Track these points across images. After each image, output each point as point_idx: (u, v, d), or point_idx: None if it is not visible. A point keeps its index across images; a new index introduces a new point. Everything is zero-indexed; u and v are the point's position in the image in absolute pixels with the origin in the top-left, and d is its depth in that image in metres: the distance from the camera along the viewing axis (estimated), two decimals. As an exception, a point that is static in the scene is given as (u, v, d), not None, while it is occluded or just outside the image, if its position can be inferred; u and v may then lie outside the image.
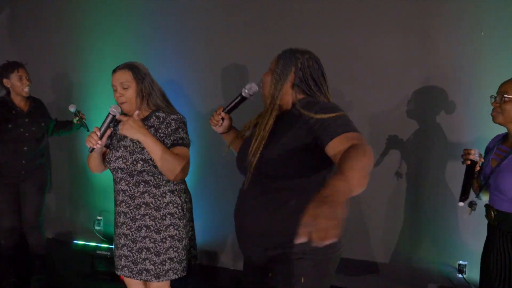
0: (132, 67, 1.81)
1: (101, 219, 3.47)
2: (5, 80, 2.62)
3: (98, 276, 3.03)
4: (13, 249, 2.79)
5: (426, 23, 2.50)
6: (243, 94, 1.69)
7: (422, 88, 2.55)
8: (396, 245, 2.72)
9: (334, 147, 1.25)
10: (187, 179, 1.90)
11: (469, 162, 1.68)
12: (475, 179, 1.77)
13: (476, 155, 1.67)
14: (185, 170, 1.77)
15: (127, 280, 1.98)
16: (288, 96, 1.47)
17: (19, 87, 2.63)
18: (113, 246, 3.15)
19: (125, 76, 1.78)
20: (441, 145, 2.54)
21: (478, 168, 1.72)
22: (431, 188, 2.60)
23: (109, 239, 3.40)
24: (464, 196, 1.67)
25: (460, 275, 2.55)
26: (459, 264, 2.56)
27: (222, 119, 1.75)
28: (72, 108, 2.67)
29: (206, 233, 3.02)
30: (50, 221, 3.49)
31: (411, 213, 2.69)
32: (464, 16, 2.43)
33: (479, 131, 2.33)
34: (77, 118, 2.72)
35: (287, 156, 1.35)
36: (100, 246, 3.30)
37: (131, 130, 1.63)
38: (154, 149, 1.67)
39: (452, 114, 2.50)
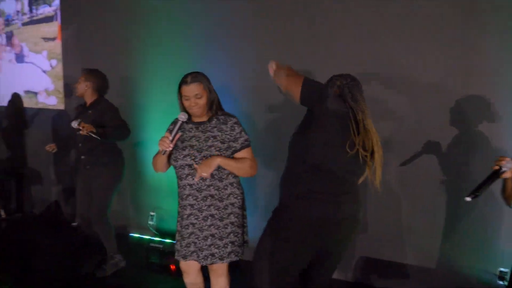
0: (202, 80, 2.04)
1: (154, 215, 3.72)
2: None
3: (152, 267, 3.28)
4: (90, 231, 3.13)
5: (468, 31, 2.51)
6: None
7: (463, 96, 2.57)
8: (434, 249, 2.73)
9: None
10: None
11: (497, 167, 1.71)
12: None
13: (508, 165, 1.69)
14: (254, 167, 2.09)
15: (185, 267, 2.21)
16: None
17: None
18: (164, 240, 3.45)
19: (199, 88, 2.01)
20: (482, 151, 2.54)
21: (502, 176, 1.73)
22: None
23: (161, 233, 3.67)
24: (475, 194, 1.71)
25: (501, 282, 2.53)
26: (500, 271, 2.53)
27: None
28: (74, 124, 2.77)
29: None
30: (110, 215, 3.81)
31: (451, 218, 2.69)
32: (508, 24, 2.43)
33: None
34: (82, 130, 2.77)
35: None
36: (154, 240, 3.58)
37: (209, 166, 1.95)
38: (229, 166, 2.01)
39: (494, 123, 2.50)
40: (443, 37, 2.58)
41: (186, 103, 2.03)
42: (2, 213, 4.49)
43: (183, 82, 2.03)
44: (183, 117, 2.02)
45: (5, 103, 4.82)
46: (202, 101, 2.03)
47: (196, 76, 2.03)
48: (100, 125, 2.84)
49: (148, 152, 3.76)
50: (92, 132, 2.69)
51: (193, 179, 2.03)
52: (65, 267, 3.25)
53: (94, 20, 3.98)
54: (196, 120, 2.10)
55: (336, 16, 2.83)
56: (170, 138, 1.98)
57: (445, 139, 2.65)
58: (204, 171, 1.92)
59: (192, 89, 2.00)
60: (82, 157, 2.99)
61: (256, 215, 2.97)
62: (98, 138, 2.73)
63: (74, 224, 3.83)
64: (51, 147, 3.30)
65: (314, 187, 1.80)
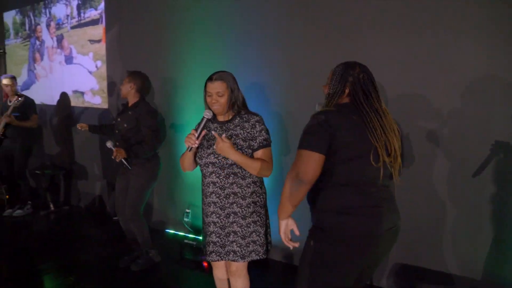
0: (226, 79, 2.07)
1: (189, 212, 3.79)
2: None
3: (185, 263, 3.36)
4: (128, 227, 3.24)
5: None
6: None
7: (508, 92, 2.39)
8: (480, 258, 2.54)
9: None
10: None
11: None
12: None
13: None
14: (270, 168, 2.06)
15: (215, 264, 2.26)
16: None
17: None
18: (198, 237, 3.51)
19: (221, 87, 2.05)
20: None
21: None
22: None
23: (195, 230, 3.74)
24: None
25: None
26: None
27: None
28: (109, 145, 3.01)
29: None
30: (147, 211, 3.94)
31: (500, 225, 2.49)
32: None
33: None
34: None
35: None
36: (188, 236, 3.66)
37: (224, 151, 1.95)
38: (242, 163, 1.99)
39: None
40: (486, 32, 2.41)
41: (208, 99, 2.08)
42: (51, 206, 4.79)
43: (209, 79, 2.08)
44: (208, 114, 2.06)
45: (55, 102, 5.14)
46: (223, 99, 2.05)
47: (222, 75, 2.07)
48: (138, 128, 3.05)
49: (184, 150, 3.85)
50: (124, 159, 2.96)
51: (217, 176, 2.06)
52: (104, 259, 3.41)
53: (134, 23, 4.14)
54: (221, 119, 2.14)
55: (370, 12, 2.74)
56: (196, 134, 2.02)
57: (485, 138, 2.46)
58: (218, 149, 1.97)
59: (215, 87, 2.04)
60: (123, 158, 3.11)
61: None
62: (129, 167, 3.01)
63: (115, 218, 4.00)
64: (82, 126, 3.53)
65: (352, 202, 1.64)
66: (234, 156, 1.96)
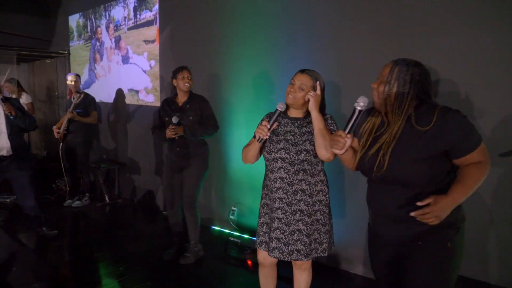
0: (316, 78, 2.07)
1: (235, 210, 3.83)
2: (174, 81, 3.19)
3: (230, 260, 3.39)
4: (175, 220, 3.35)
5: None
6: (360, 108, 1.63)
7: None
8: None
9: (468, 159, 1.51)
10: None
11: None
12: None
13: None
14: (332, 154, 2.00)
15: (261, 259, 2.25)
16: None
17: (181, 84, 3.16)
18: (243, 235, 3.53)
19: (306, 81, 2.05)
20: None
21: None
22: None
23: (241, 228, 3.76)
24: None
25: None
26: None
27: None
28: (174, 120, 3.07)
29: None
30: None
31: None
32: None
33: None
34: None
35: (418, 163, 1.52)
36: (233, 234, 3.69)
37: (314, 103, 2.00)
38: (319, 125, 1.98)
39: None
40: None
41: (288, 87, 2.07)
42: (107, 198, 5.05)
43: (301, 69, 2.09)
44: (281, 106, 2.04)
45: (112, 100, 5.41)
46: (302, 94, 2.04)
47: (314, 73, 2.08)
48: (199, 116, 3.17)
49: (231, 147, 3.89)
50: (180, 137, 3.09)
51: (286, 172, 2.04)
52: (151, 251, 3.52)
53: (185, 23, 4.25)
54: (292, 115, 2.13)
55: (421, 9, 2.58)
56: (268, 126, 2.00)
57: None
58: (313, 98, 1.98)
59: (301, 78, 2.05)
60: (178, 149, 3.20)
61: (346, 217, 2.88)
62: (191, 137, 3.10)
63: (165, 212, 4.13)
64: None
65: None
66: (316, 110, 1.99)
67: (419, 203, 1.48)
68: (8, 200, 4.87)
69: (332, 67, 3.07)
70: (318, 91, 2.03)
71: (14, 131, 3.52)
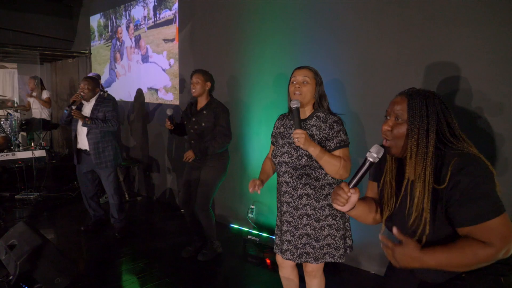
0: (315, 70, 2.05)
1: (254, 208, 3.82)
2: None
3: (248, 258, 3.38)
4: (191, 218, 3.36)
5: None
6: (372, 160, 1.35)
7: None
8: None
9: (472, 233, 1.20)
10: None
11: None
12: None
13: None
14: (347, 169, 1.95)
15: (280, 261, 2.23)
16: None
17: (191, 89, 3.15)
18: (262, 233, 3.51)
19: (308, 74, 2.02)
20: None
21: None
22: None
23: (259, 226, 3.75)
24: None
25: None
26: None
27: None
28: (169, 112, 3.09)
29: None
30: (213, 205, 4.04)
31: None
32: None
33: None
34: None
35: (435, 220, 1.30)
36: (251, 232, 3.68)
37: (304, 144, 1.84)
38: (320, 157, 1.88)
39: None
40: None
41: (291, 88, 2.02)
42: (127, 195, 5.11)
43: (297, 67, 2.05)
44: (295, 103, 1.96)
45: (132, 98, 5.48)
46: (307, 88, 2.00)
47: (309, 66, 2.06)
48: (214, 126, 3.09)
49: (250, 145, 3.88)
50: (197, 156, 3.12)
51: (290, 176, 2.01)
52: (170, 248, 3.55)
53: (205, 22, 4.26)
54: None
55: (442, 7, 2.51)
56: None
57: None
58: (297, 137, 1.84)
59: (302, 72, 2.01)
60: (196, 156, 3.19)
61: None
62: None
63: (183, 211, 4.15)
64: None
65: None
66: (313, 149, 1.86)
67: (394, 231, 1.26)
68: (31, 196, 4.99)
69: (353, 65, 3.02)
70: (299, 130, 1.84)
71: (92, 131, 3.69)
